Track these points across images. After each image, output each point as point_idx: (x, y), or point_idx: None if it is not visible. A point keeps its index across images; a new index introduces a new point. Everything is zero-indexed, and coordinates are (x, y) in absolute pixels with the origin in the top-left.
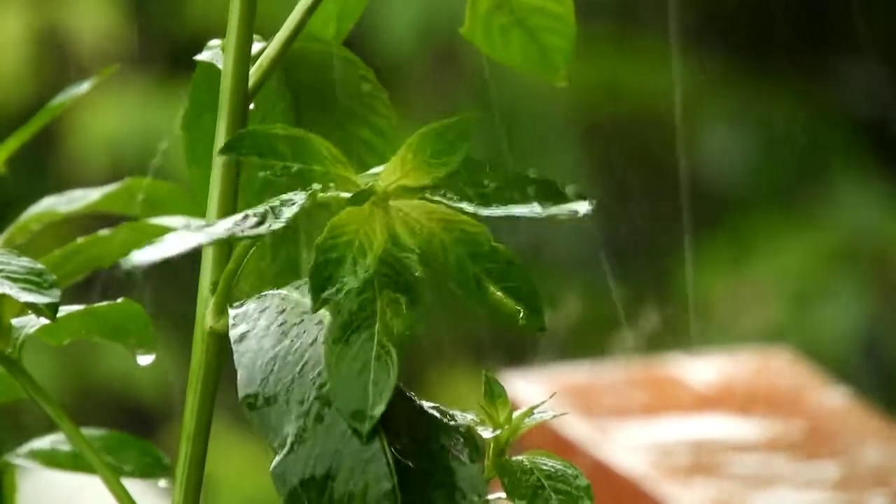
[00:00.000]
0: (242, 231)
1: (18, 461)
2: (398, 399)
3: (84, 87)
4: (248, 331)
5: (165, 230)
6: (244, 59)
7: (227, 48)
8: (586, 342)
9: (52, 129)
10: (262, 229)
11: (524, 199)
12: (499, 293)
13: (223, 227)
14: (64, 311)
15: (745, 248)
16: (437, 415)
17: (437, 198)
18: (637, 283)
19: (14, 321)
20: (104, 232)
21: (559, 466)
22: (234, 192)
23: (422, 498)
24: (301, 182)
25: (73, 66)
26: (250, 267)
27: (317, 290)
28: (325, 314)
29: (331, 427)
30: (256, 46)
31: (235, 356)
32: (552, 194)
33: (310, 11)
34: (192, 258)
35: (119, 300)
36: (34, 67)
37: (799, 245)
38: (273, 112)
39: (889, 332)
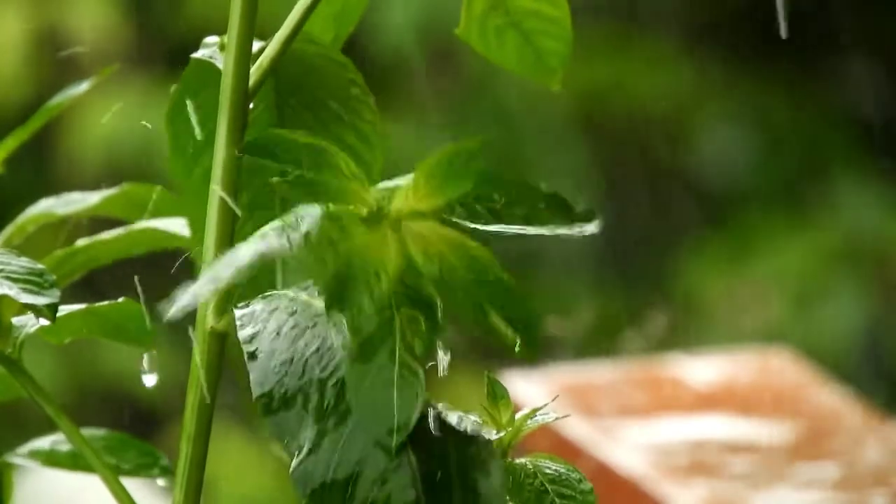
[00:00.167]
0: (267, 254)
1: (18, 461)
2: (423, 410)
3: (83, 87)
4: (259, 332)
5: (164, 233)
6: (245, 58)
7: (227, 47)
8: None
9: (51, 129)
10: (285, 246)
11: (534, 216)
12: (499, 322)
13: (246, 254)
14: (65, 310)
15: (745, 248)
16: (459, 424)
17: (447, 217)
18: (637, 283)
19: (14, 320)
20: (103, 234)
21: (563, 470)
22: (234, 191)
23: None
24: (309, 191)
25: (72, 66)
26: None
27: (334, 315)
28: (340, 317)
29: (353, 433)
30: (255, 46)
31: (246, 358)
32: (561, 209)
33: (309, 11)
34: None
35: (120, 300)
36: (34, 67)
37: (799, 245)
38: (257, 111)
39: (889, 332)
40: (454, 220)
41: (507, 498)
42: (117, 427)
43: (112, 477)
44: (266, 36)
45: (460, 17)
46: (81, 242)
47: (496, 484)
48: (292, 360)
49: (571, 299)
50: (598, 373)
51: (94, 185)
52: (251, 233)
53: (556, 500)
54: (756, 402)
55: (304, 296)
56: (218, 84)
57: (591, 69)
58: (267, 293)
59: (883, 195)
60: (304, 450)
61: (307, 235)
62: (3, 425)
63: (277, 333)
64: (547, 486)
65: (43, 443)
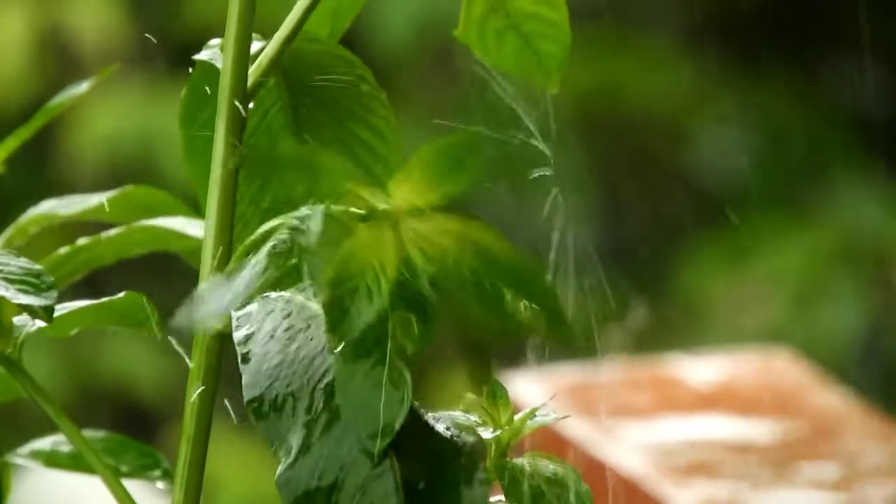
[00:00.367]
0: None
1: (19, 461)
2: (409, 416)
3: (83, 86)
4: (253, 333)
5: (164, 232)
6: (243, 58)
7: (225, 47)
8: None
9: (52, 129)
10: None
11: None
12: (516, 304)
13: (258, 269)
14: (66, 307)
15: (745, 248)
16: (446, 431)
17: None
18: (637, 283)
19: (15, 320)
20: (105, 233)
21: (560, 470)
22: (234, 191)
23: None
24: (307, 197)
25: (74, 66)
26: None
27: (334, 325)
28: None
29: (339, 439)
30: (256, 46)
31: (240, 359)
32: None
33: (308, 11)
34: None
35: (121, 294)
36: (35, 67)
37: (799, 245)
38: (272, 111)
39: (889, 332)
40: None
41: (504, 497)
42: (117, 428)
43: (113, 478)
44: (266, 36)
45: (459, 19)
46: (82, 242)
47: (479, 496)
48: (284, 363)
49: (570, 299)
50: (598, 372)
51: (94, 186)
52: (250, 234)
53: (553, 501)
54: (756, 402)
55: (300, 298)
56: None
57: (590, 69)
58: (265, 294)
59: (883, 195)
60: (291, 455)
61: (316, 237)
62: (3, 425)
63: (271, 336)
64: (543, 486)
65: (43, 443)
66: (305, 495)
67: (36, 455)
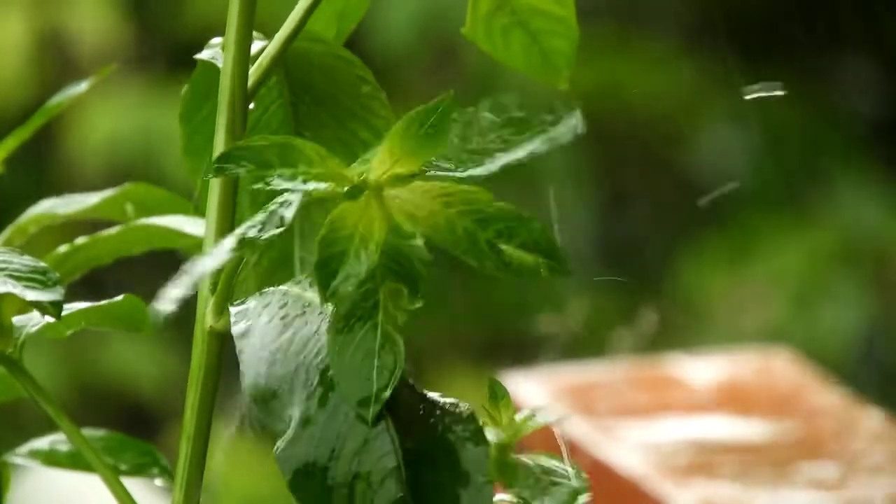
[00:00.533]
0: (245, 243)
1: (18, 460)
2: (402, 387)
3: (82, 86)
4: (250, 327)
5: (164, 230)
6: (244, 57)
7: (226, 47)
8: (586, 342)
9: (52, 129)
10: (265, 236)
11: (513, 141)
12: (514, 252)
13: (227, 245)
14: (66, 310)
15: (745, 248)
16: (440, 398)
17: (430, 173)
18: (637, 283)
19: (15, 320)
20: (104, 232)
21: (560, 467)
22: (234, 189)
23: (427, 477)
24: (287, 187)
25: (73, 67)
26: (247, 266)
27: (324, 284)
28: (327, 305)
29: (335, 410)
30: (257, 45)
31: (238, 352)
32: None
33: (310, 11)
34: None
35: (120, 297)
36: (35, 68)
37: (799, 245)
38: (272, 109)
39: (889, 332)
40: (437, 174)
41: (508, 495)
42: (117, 427)
43: (112, 477)
44: (268, 36)
45: (465, 17)
46: (81, 241)
47: (479, 453)
48: (280, 348)
49: (570, 299)
50: (598, 373)
51: (94, 185)
52: None
53: (555, 496)
54: (756, 402)
55: (296, 289)
56: None
57: (591, 69)
58: (263, 290)
59: (883, 195)
60: (289, 433)
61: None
62: (3, 425)
63: (268, 326)
64: (545, 482)
65: (43, 443)
66: (304, 467)
67: (35, 454)
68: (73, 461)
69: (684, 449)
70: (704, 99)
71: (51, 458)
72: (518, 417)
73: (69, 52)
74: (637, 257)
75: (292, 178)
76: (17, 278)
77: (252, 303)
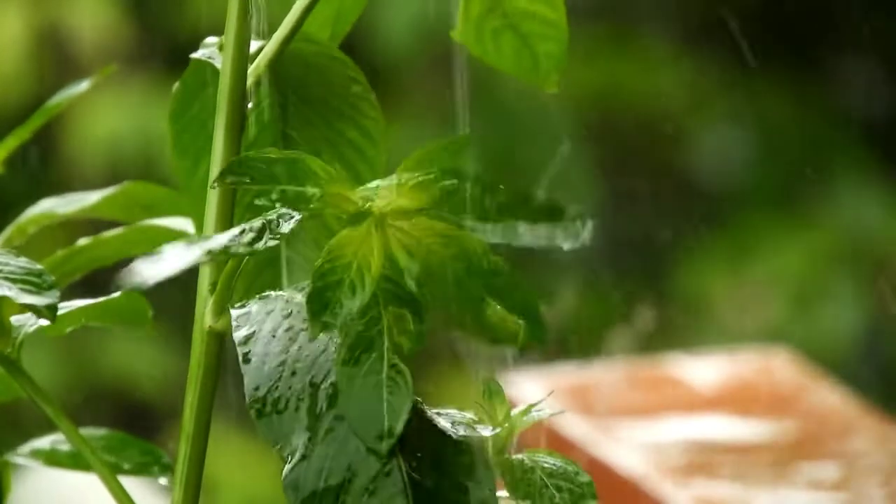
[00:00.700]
0: (239, 246)
1: (19, 460)
2: (412, 415)
3: (83, 86)
4: (253, 334)
5: (165, 231)
6: (242, 58)
7: (225, 48)
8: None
9: (51, 129)
10: (259, 245)
11: (525, 217)
12: (498, 311)
13: (220, 241)
14: (65, 308)
15: (745, 248)
16: (449, 428)
17: (434, 213)
18: (637, 282)
19: (13, 319)
20: (106, 233)
21: (560, 464)
22: (233, 191)
23: None
24: (291, 203)
25: (72, 66)
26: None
27: (315, 315)
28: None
29: (344, 440)
30: (254, 46)
31: (241, 360)
32: (553, 214)
33: (307, 11)
34: None
35: (118, 293)
36: (33, 65)
37: (799, 245)
38: (259, 108)
39: (889, 332)
40: (441, 216)
41: (508, 494)
42: (117, 427)
43: (111, 476)
44: (266, 36)
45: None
46: (83, 242)
47: (486, 492)
48: (285, 363)
49: (570, 299)
50: (598, 373)
51: (94, 186)
52: None
53: (556, 493)
54: (756, 402)
55: (299, 297)
56: (218, 84)
57: (590, 70)
58: (264, 293)
59: (883, 195)
60: (297, 456)
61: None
62: (3, 425)
63: (273, 336)
64: (546, 479)
65: (43, 442)
66: (313, 495)
67: (36, 454)
68: (74, 461)
69: (684, 449)
70: (704, 99)
71: (52, 458)
72: (513, 414)
73: (68, 49)
74: (637, 257)
75: (297, 198)
76: (13, 281)
77: (254, 307)
